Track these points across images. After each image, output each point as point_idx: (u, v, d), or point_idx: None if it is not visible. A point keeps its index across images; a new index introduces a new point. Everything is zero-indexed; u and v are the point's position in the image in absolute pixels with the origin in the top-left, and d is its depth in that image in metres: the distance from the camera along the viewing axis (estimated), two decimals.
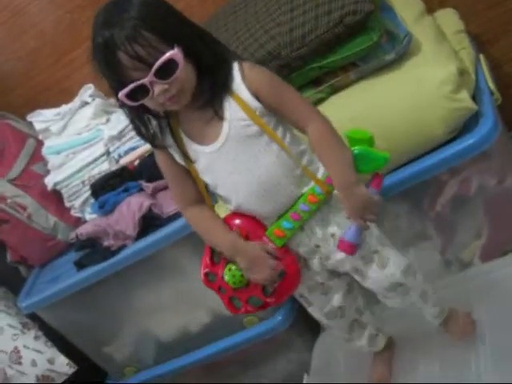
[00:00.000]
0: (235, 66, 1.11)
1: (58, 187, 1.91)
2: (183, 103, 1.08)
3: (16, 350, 1.90)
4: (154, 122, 1.15)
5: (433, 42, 1.45)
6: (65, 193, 1.91)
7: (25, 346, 1.91)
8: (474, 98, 1.38)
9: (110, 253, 1.71)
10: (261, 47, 1.46)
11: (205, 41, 1.09)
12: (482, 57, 1.58)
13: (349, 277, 1.30)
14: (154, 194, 1.72)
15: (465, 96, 1.34)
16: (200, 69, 1.08)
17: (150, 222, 1.67)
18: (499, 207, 1.50)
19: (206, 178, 1.18)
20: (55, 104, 1.99)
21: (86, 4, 1.95)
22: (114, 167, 1.84)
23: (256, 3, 1.59)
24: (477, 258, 1.56)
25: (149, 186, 1.71)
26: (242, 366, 1.89)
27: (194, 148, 1.15)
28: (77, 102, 1.94)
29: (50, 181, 1.91)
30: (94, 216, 1.85)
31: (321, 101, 1.48)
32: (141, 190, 1.74)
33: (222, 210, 1.26)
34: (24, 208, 1.90)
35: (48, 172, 1.95)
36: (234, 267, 1.21)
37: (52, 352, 1.93)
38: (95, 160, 1.86)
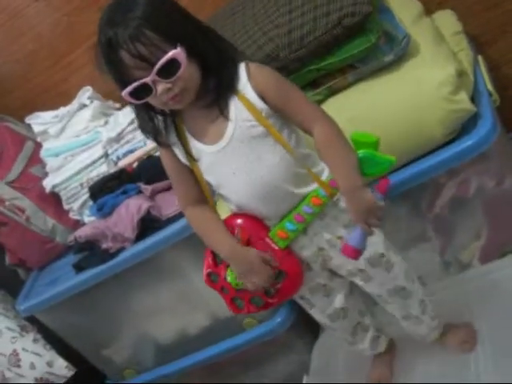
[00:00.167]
0: (242, 66, 1.11)
1: (56, 189, 1.91)
2: (187, 102, 1.08)
3: (15, 353, 1.90)
4: (159, 119, 1.14)
5: (431, 44, 1.45)
6: (63, 195, 1.91)
7: (23, 349, 1.91)
8: (472, 99, 1.38)
9: (108, 255, 1.70)
10: (259, 49, 1.46)
11: (209, 39, 1.08)
12: (480, 58, 1.59)
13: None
14: (152, 196, 1.72)
15: (463, 97, 1.34)
16: (205, 67, 1.07)
17: (148, 225, 1.67)
18: (498, 208, 1.50)
19: (209, 177, 1.17)
20: (53, 106, 1.99)
21: (83, 6, 1.95)
22: (113, 169, 1.84)
23: (254, 5, 1.59)
24: (476, 260, 1.56)
25: (147, 189, 1.71)
26: (243, 367, 1.89)
27: (197, 147, 1.14)
28: (75, 104, 1.94)
29: (48, 183, 1.91)
30: (92, 218, 1.85)
31: (318, 103, 1.47)
32: (139, 192, 1.73)
33: (223, 210, 1.25)
34: (22, 210, 1.90)
35: (46, 174, 1.94)
36: None
37: (51, 355, 1.93)
38: (93, 162, 1.86)
